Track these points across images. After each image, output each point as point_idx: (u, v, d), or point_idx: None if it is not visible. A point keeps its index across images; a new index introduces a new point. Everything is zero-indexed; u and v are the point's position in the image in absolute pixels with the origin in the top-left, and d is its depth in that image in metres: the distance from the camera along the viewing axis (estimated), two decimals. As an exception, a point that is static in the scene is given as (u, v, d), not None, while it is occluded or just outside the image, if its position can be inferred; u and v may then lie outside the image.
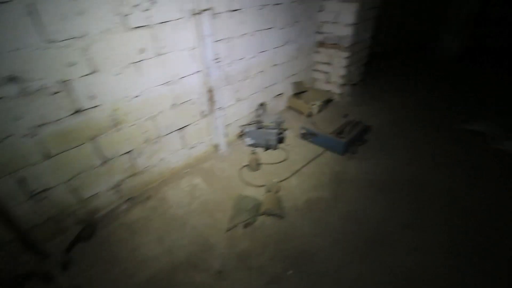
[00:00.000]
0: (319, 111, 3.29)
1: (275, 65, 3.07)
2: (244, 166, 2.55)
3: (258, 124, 2.61)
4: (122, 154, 2.07)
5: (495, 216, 1.99)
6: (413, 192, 2.22)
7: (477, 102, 3.55)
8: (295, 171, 2.48)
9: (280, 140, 2.78)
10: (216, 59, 2.27)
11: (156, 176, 2.38)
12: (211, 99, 2.42)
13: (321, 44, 3.44)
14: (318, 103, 3.27)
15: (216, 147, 2.75)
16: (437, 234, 1.88)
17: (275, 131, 2.62)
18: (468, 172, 2.40)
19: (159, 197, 2.29)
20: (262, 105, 2.73)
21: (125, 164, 2.13)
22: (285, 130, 2.83)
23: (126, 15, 1.73)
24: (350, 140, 2.58)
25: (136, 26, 1.78)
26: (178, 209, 2.17)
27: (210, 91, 2.37)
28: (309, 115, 3.18)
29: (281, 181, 2.36)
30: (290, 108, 3.55)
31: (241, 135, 2.84)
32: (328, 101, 3.52)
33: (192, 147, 2.57)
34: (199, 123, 2.52)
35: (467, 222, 1.95)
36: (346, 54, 3.25)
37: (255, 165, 2.47)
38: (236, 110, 2.81)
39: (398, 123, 3.15)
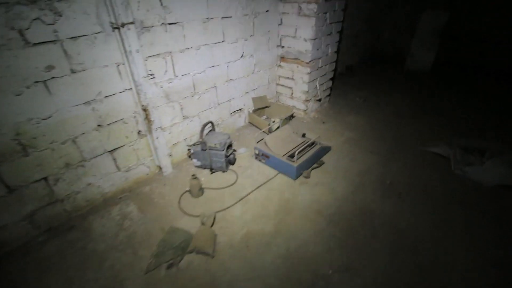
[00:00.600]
0: (277, 128, 3.11)
1: (230, 80, 2.88)
2: (186, 191, 2.33)
3: (203, 145, 2.40)
4: (35, 182, 1.83)
5: (444, 251, 1.82)
6: (360, 224, 2.03)
7: (445, 120, 3.43)
8: (241, 198, 2.27)
9: (231, 162, 2.58)
10: (149, 75, 2.06)
11: (83, 203, 2.13)
12: (147, 118, 2.20)
13: (283, 58, 3.27)
14: (278, 119, 3.09)
15: (159, 168, 2.52)
16: (377, 277, 1.69)
17: (223, 152, 2.41)
18: (424, 201, 2.23)
19: (83, 228, 2.04)
20: (208, 124, 2.53)
21: (41, 191, 1.89)
22: (234, 150, 2.62)
23: (25, 29, 1.51)
24: (302, 163, 2.40)
25: (39, 41, 1.57)
26: (100, 243, 1.92)
27: (145, 109, 2.15)
28: (269, 131, 3.00)
29: (221, 210, 2.14)
30: (251, 124, 3.36)
31: (190, 156, 2.63)
32: (291, 117, 3.35)
33: (129, 170, 2.34)
34: (136, 144, 2.29)
35: (412, 261, 1.77)
36: (307, 69, 3.09)
37: (196, 191, 2.25)
38: (183, 129, 2.60)
39: (361, 143, 2.98)
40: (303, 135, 2.81)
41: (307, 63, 3.04)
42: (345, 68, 4.98)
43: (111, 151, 2.16)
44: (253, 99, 3.30)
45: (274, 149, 2.53)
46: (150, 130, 2.26)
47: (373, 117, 3.52)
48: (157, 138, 2.33)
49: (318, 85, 3.38)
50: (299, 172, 2.42)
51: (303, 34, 2.90)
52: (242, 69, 2.96)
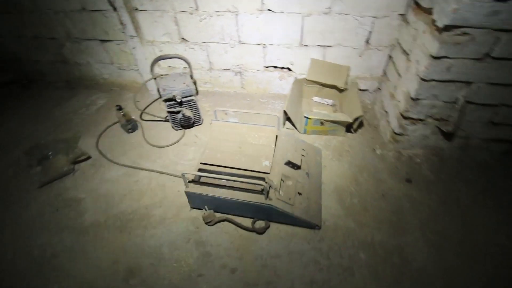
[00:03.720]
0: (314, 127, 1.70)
1: (266, 9, 1.67)
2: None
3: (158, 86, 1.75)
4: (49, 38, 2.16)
5: None
6: None
7: None
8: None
9: (183, 124, 1.81)
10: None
11: (87, 77, 2.37)
12: (134, 22, 1.81)
13: (418, 6, 1.38)
14: (327, 114, 1.64)
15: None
16: None
17: (167, 107, 1.69)
18: None
19: (69, 94, 2.34)
20: (162, 59, 1.70)
21: (52, 48, 2.23)
22: (195, 110, 1.76)
23: None
24: (212, 198, 1.25)
25: None
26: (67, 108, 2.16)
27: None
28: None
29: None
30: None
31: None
32: (357, 126, 1.69)
33: (122, 69, 2.24)
34: (125, 46, 2.05)
35: None
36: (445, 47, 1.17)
37: (124, 125, 1.85)
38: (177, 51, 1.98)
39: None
40: (291, 164, 1.36)
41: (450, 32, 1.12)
42: None
43: (101, 41, 2.07)
44: (313, 61, 1.85)
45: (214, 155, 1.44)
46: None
47: None
48: (133, 48, 1.95)
49: (461, 98, 1.30)
50: (196, 203, 1.32)
51: None
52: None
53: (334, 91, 1.89)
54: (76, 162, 1.62)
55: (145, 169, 1.56)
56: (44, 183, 1.51)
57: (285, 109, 1.67)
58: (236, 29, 1.81)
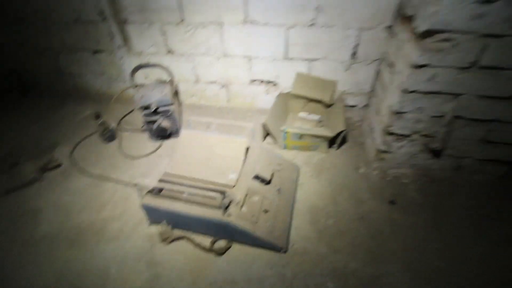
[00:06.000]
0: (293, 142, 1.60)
1: (251, 22, 1.65)
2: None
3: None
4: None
5: None
6: None
7: None
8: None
9: (159, 134, 1.76)
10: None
11: (82, 87, 2.39)
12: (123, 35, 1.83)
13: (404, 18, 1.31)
14: (309, 128, 1.55)
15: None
16: None
17: (144, 116, 1.65)
18: None
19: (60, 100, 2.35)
20: (143, 67, 1.67)
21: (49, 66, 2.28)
22: (172, 123, 1.71)
23: None
24: (165, 211, 1.16)
25: None
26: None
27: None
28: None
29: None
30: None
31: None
32: (340, 141, 1.58)
33: (111, 80, 2.25)
34: (115, 58, 2.07)
35: None
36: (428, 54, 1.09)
37: (101, 135, 1.81)
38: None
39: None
40: (259, 178, 1.25)
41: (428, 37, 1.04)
42: None
43: (93, 52, 2.10)
44: (298, 75, 1.78)
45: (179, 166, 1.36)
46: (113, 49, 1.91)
47: None
48: (121, 58, 1.96)
49: (449, 112, 1.18)
50: (154, 218, 1.21)
51: None
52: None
53: (320, 106, 1.80)
54: (45, 170, 1.57)
55: (111, 180, 1.48)
56: (8, 190, 1.46)
57: (264, 123, 1.59)
58: (221, 41, 1.79)
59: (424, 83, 1.16)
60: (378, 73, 1.68)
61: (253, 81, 1.94)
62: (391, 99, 1.32)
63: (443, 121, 1.23)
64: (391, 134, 1.34)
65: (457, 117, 1.23)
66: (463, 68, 1.11)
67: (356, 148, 1.64)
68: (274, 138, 1.67)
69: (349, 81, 1.79)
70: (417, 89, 1.18)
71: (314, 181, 1.43)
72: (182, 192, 1.15)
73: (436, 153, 1.33)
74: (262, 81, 1.93)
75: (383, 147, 1.40)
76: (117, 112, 2.05)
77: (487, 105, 1.18)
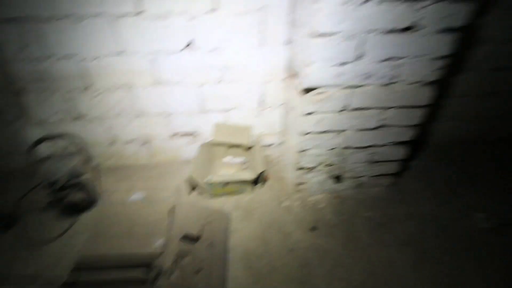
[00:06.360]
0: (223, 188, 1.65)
1: (163, 82, 1.73)
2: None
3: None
4: None
5: None
6: None
7: None
8: None
9: (66, 209, 1.58)
10: None
11: None
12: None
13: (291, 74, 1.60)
14: (231, 173, 1.62)
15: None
16: None
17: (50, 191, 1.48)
18: None
19: None
20: (46, 139, 1.60)
21: None
22: (86, 192, 1.57)
23: None
24: None
25: None
26: None
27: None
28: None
29: None
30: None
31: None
32: (261, 181, 1.72)
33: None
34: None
35: None
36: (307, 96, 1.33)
37: None
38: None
39: None
40: (187, 238, 1.26)
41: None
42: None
43: None
44: (217, 125, 1.92)
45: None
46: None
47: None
48: (19, 130, 1.75)
49: (339, 144, 1.46)
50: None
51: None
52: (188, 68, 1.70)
53: (241, 150, 1.95)
54: None
55: (10, 281, 1.25)
56: None
57: (189, 176, 1.62)
58: (134, 102, 1.81)
59: (315, 125, 1.42)
60: (286, 114, 1.95)
61: (174, 134, 1.99)
62: (294, 140, 1.55)
63: (336, 152, 1.50)
64: (301, 168, 1.55)
65: (346, 148, 1.52)
66: (340, 111, 1.41)
67: (279, 183, 1.81)
68: (201, 188, 1.71)
69: (262, 124, 2.00)
70: (311, 130, 1.43)
71: (245, 224, 1.50)
72: (101, 280, 1.06)
73: (338, 178, 1.59)
74: (183, 134, 1.99)
75: (297, 180, 1.60)
76: (15, 192, 1.78)
77: (363, 135, 1.50)
